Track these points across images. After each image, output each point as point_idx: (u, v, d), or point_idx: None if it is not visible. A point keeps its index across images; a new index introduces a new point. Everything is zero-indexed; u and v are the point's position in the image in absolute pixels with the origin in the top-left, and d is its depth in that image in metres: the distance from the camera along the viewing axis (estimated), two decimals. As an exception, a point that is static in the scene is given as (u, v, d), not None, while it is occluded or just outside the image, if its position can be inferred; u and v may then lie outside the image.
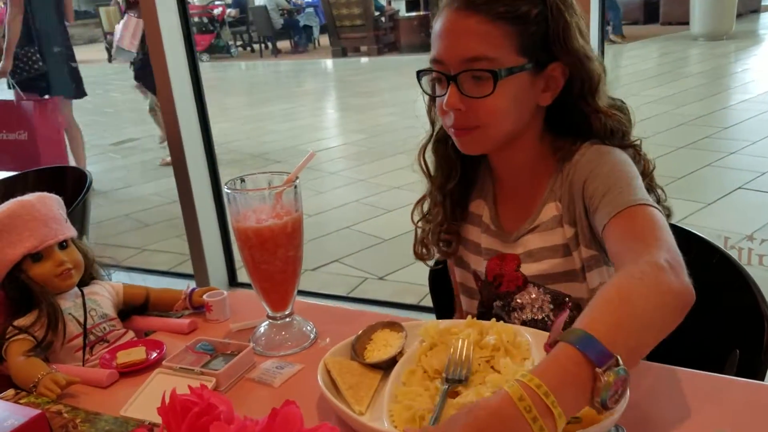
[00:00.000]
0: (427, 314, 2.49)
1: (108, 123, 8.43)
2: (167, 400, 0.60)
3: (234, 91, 10.34)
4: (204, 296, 1.19)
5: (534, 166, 1.08)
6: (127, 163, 6.35)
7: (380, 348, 0.96)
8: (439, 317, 1.38)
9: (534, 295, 1.08)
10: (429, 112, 1.14)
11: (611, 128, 1.03)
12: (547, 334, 0.95)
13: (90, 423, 0.85)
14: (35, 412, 0.77)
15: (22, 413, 0.76)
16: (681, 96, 6.36)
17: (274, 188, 1.03)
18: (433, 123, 1.14)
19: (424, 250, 1.22)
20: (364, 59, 12.25)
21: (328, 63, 12.65)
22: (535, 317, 1.08)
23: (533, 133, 1.06)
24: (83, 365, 1.08)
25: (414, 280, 3.12)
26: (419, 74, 1.05)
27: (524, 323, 1.08)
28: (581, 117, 1.04)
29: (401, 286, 3.14)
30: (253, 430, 0.54)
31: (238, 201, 1.03)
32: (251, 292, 1.30)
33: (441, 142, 1.13)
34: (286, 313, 1.10)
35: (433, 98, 1.08)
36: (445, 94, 0.99)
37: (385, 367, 0.94)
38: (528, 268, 1.08)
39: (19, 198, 1.10)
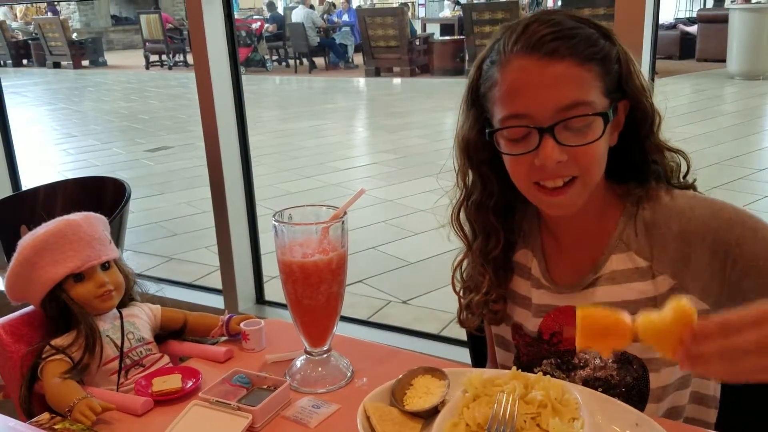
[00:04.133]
0: (450, 345, 2.45)
1: (143, 130, 8.55)
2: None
3: (267, 105, 10.45)
4: (241, 324, 1.17)
5: (598, 213, 1.03)
6: (160, 170, 6.42)
7: (421, 395, 0.93)
8: (474, 362, 1.35)
9: (597, 355, 1.02)
10: (463, 177, 1.07)
11: (676, 165, 1.00)
12: (600, 394, 0.93)
13: (125, 455, 0.83)
14: (74, 443, 0.75)
15: (61, 444, 0.75)
16: (715, 135, 6.27)
17: (322, 223, 1.02)
18: (466, 187, 1.07)
19: (469, 316, 1.13)
20: (396, 80, 12.30)
21: (361, 82, 12.74)
22: (598, 376, 1.02)
23: (601, 179, 1.01)
24: (117, 389, 1.07)
25: (437, 306, 3.10)
26: (491, 134, 0.96)
27: (585, 382, 1.02)
28: (642, 157, 1.00)
29: (425, 311, 3.11)
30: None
31: (285, 234, 1.02)
32: (287, 322, 1.29)
33: (481, 207, 1.06)
34: (324, 348, 1.08)
35: (480, 160, 1.03)
36: (533, 150, 0.92)
37: (426, 416, 0.91)
38: None
39: (65, 217, 1.10)
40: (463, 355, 1.65)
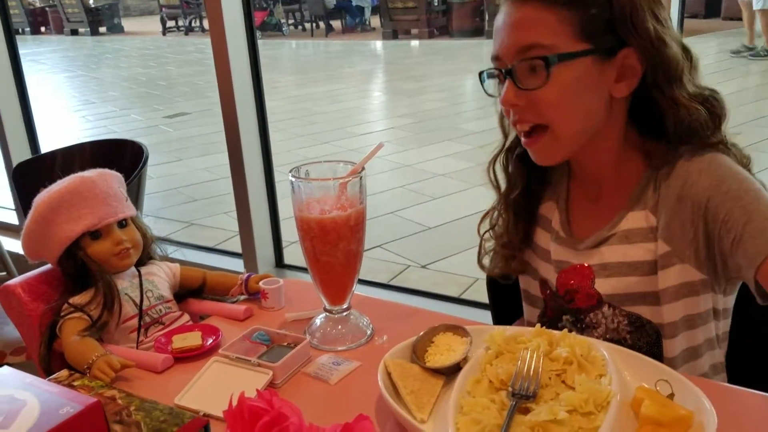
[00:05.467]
0: (470, 308, 2.44)
1: (161, 96, 8.54)
2: (233, 402, 0.57)
3: (283, 70, 10.38)
4: (260, 283, 1.16)
5: (617, 168, 1.00)
6: (178, 136, 6.42)
7: (443, 352, 0.91)
8: (496, 321, 1.33)
9: (609, 316, 1.00)
10: (501, 121, 1.07)
11: (690, 125, 0.93)
12: (628, 350, 0.90)
13: (145, 412, 0.83)
14: (91, 400, 0.74)
15: (78, 400, 0.74)
16: (741, 95, 6.10)
17: (340, 179, 0.99)
18: (505, 134, 1.08)
19: (489, 263, 1.16)
20: (414, 42, 12.12)
21: (378, 45, 12.57)
22: (611, 337, 1.00)
23: (614, 130, 0.98)
24: (137, 347, 1.07)
25: (457, 270, 3.09)
26: (481, 75, 1.00)
27: None
28: (658, 111, 0.95)
29: (444, 276, 3.10)
30: (325, 446, 0.50)
31: (302, 190, 0.99)
32: (306, 281, 1.27)
33: (509, 151, 1.08)
34: (344, 307, 1.06)
35: None
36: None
37: (448, 373, 0.89)
38: (602, 285, 1.00)
39: (80, 174, 1.08)
40: (484, 317, 1.64)
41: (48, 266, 1.13)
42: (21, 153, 2.96)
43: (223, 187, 4.46)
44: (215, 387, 0.92)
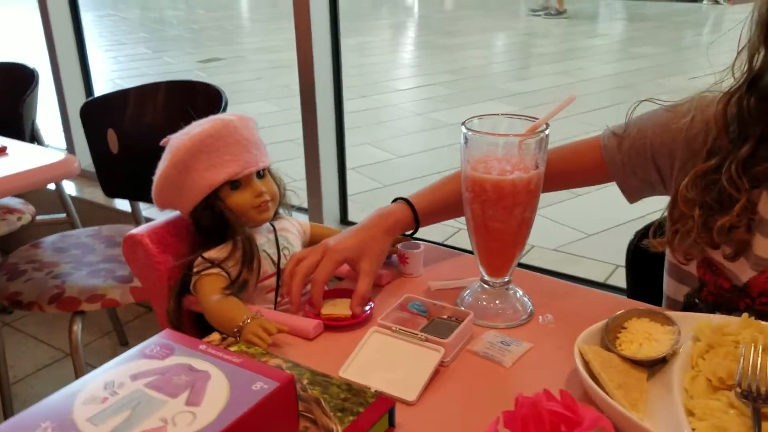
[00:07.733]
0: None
1: (194, 39, 8.34)
2: (515, 404, 0.47)
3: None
4: (398, 246, 1.05)
5: None
6: (215, 82, 6.26)
7: (641, 341, 0.81)
8: (633, 296, 1.23)
9: None
10: (752, 56, 0.85)
11: None
12: None
13: (321, 387, 0.73)
14: (284, 374, 0.65)
15: (269, 374, 0.65)
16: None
17: (523, 135, 0.87)
18: (751, 70, 0.85)
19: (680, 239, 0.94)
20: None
21: (411, -1, 12.24)
22: None
23: None
24: (275, 308, 0.97)
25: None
26: None
27: None
28: None
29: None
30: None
31: (478, 145, 0.88)
32: (435, 246, 1.17)
33: (748, 90, 0.86)
34: (505, 279, 0.96)
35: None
36: None
37: (648, 365, 0.79)
38: None
39: (220, 116, 0.96)
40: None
41: (173, 216, 1.02)
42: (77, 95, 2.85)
43: (266, 137, 4.33)
44: (380, 360, 0.83)
